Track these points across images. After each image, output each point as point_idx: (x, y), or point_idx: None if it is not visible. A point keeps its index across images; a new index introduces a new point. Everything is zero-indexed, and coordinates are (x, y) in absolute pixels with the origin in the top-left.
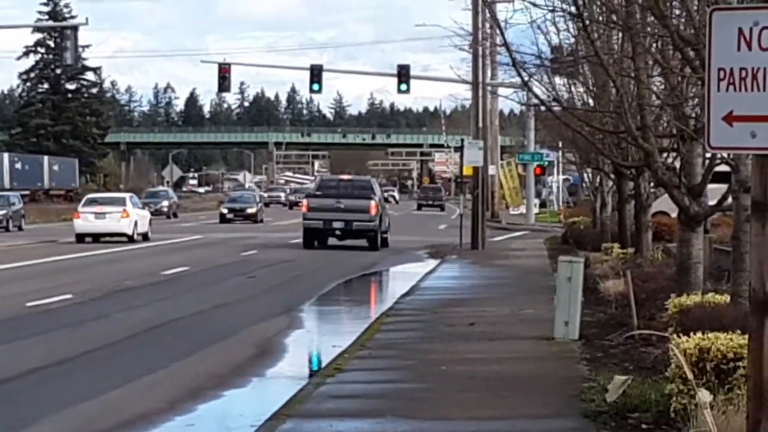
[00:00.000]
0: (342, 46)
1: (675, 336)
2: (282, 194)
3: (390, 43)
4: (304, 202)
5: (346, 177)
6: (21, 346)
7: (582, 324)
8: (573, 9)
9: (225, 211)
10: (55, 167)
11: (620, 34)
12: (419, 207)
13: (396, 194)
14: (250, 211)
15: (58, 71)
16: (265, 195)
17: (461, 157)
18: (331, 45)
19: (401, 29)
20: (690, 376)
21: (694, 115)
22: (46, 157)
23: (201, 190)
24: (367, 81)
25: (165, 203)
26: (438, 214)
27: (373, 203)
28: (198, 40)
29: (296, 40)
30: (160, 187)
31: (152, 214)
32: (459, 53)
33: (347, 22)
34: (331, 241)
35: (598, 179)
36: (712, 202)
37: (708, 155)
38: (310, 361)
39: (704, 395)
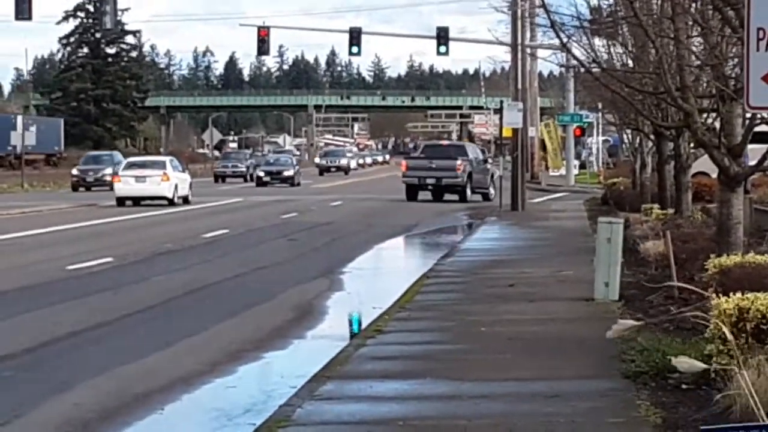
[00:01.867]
0: (378, 9)
1: (714, 296)
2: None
3: (426, 5)
4: (403, 162)
5: (445, 142)
6: (61, 310)
7: (622, 285)
8: None
9: (261, 174)
10: (32, 128)
11: None
12: None
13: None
14: (287, 174)
15: (98, 35)
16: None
17: (501, 119)
18: (366, 8)
19: None
20: (730, 337)
21: (733, 75)
22: (20, 117)
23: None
24: (405, 43)
25: (108, 171)
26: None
27: (458, 163)
28: (235, 3)
29: (332, 4)
30: (104, 152)
31: (94, 182)
32: (495, 15)
33: None
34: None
35: (637, 140)
36: (752, 162)
37: (748, 115)
38: (350, 323)
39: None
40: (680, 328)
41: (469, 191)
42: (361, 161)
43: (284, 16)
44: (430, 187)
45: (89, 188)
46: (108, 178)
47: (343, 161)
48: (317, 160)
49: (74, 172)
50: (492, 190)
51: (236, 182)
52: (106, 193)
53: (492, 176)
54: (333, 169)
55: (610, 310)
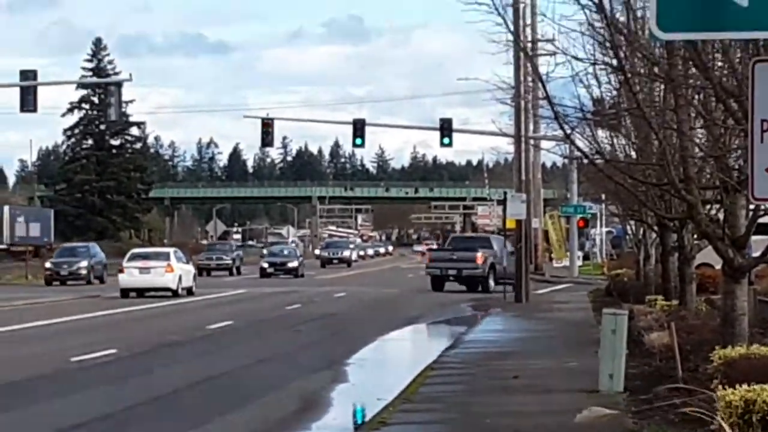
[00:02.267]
0: (380, 101)
1: (720, 388)
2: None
3: (428, 98)
4: (427, 254)
5: (471, 234)
6: (65, 402)
7: (627, 376)
8: (614, 62)
9: (265, 265)
10: (20, 219)
11: (662, 86)
12: None
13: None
14: (291, 265)
15: (103, 127)
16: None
17: (504, 210)
18: (368, 99)
19: (437, 84)
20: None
21: (737, 166)
22: (6, 207)
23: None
24: (408, 135)
25: (84, 264)
26: None
27: (479, 255)
28: (237, 95)
29: (333, 95)
30: (80, 244)
31: (68, 276)
32: (497, 107)
33: (384, 77)
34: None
35: (641, 231)
36: (756, 254)
37: (751, 207)
38: (355, 415)
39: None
40: (686, 420)
41: (492, 282)
42: (362, 253)
43: (287, 107)
44: (451, 278)
45: (64, 282)
46: (84, 272)
47: (346, 253)
48: (318, 251)
49: (47, 265)
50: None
51: (221, 274)
52: (83, 287)
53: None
54: (335, 261)
55: (615, 402)
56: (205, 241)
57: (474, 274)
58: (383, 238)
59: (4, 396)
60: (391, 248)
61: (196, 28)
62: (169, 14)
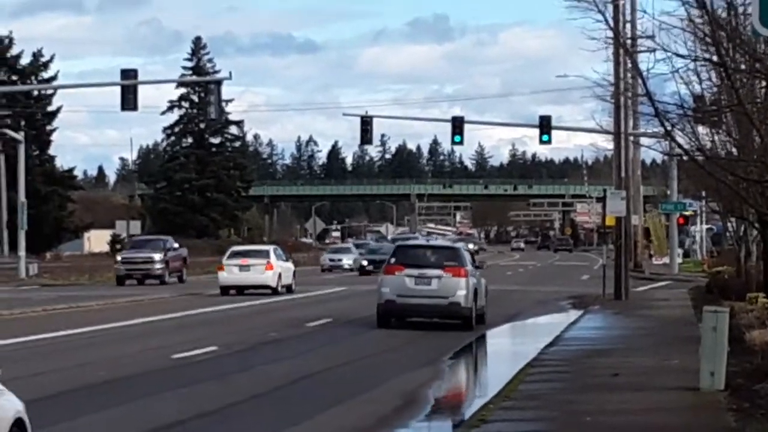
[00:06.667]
0: (471, 98)
1: None
2: (345, 258)
3: (517, 96)
4: None
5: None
6: (166, 398)
7: (728, 374)
8: (716, 58)
9: (365, 263)
10: None
11: (764, 83)
12: (555, 251)
13: (522, 244)
14: None
15: (202, 125)
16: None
17: (604, 207)
18: (459, 97)
19: (525, 82)
20: None
21: None
22: None
23: (310, 240)
24: (502, 133)
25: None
26: (580, 264)
27: None
28: (329, 94)
29: (424, 93)
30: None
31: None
32: (588, 104)
33: (473, 75)
34: None
35: (742, 228)
36: None
37: None
38: (455, 412)
39: None
40: None
41: None
42: None
43: (380, 105)
44: None
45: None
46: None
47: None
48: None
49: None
50: None
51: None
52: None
53: None
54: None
55: (717, 400)
56: (304, 239)
57: None
58: (482, 235)
59: (105, 393)
60: (471, 246)
61: (283, 28)
62: (254, 15)
